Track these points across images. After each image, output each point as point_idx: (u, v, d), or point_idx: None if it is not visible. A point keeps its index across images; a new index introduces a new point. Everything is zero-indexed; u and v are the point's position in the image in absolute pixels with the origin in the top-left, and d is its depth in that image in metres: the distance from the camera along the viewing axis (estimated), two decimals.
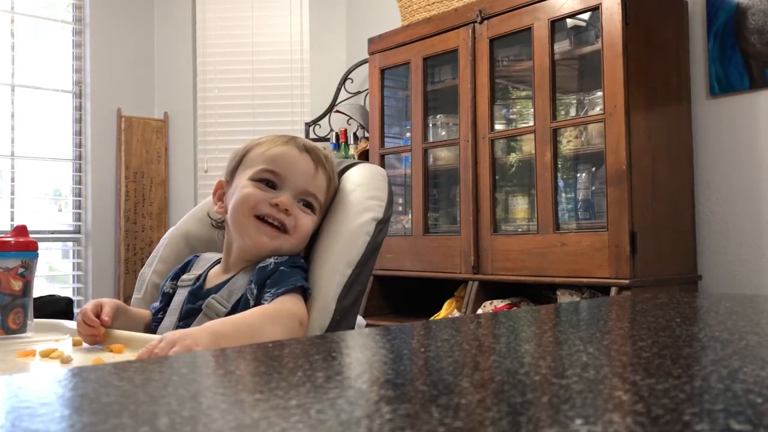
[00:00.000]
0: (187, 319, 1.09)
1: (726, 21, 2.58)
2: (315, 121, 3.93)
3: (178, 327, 1.08)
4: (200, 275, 1.15)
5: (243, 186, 1.12)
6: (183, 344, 0.83)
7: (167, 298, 1.16)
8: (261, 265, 1.07)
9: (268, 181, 1.12)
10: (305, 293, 1.06)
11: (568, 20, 2.68)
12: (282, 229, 1.10)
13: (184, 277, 1.18)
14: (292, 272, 1.06)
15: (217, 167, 4.10)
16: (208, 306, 1.07)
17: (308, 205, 1.14)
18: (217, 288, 1.10)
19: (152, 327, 1.15)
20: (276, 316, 0.98)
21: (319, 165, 1.15)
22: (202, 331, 0.89)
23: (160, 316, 1.15)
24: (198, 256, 1.24)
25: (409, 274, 3.09)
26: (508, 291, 2.78)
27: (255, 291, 1.05)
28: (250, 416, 0.26)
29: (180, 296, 1.14)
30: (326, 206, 1.18)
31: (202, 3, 4.23)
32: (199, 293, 1.11)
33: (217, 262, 1.19)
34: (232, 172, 1.18)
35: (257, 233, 1.10)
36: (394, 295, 3.23)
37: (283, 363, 0.38)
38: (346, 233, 1.13)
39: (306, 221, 1.12)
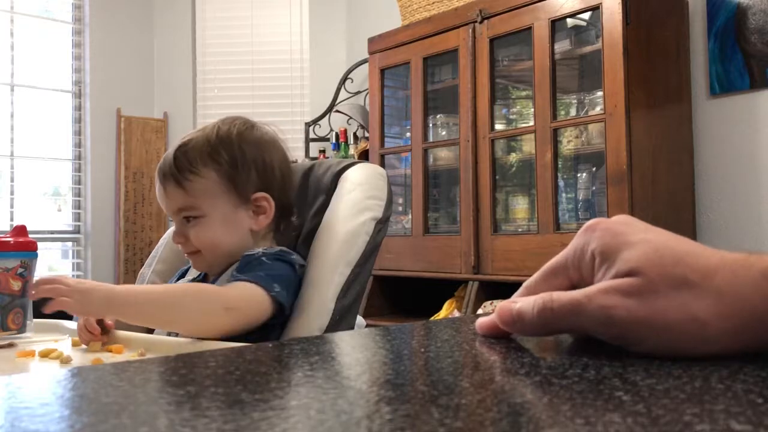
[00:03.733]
0: None
1: (726, 21, 2.58)
2: (315, 121, 3.93)
3: None
4: (200, 274, 1.15)
5: None
6: (67, 304, 0.85)
7: None
8: (248, 253, 1.06)
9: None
10: (268, 288, 0.99)
11: (569, 20, 2.68)
12: (194, 251, 1.07)
13: (188, 276, 1.18)
14: (272, 265, 1.03)
15: None
16: None
17: (193, 217, 1.06)
18: (216, 278, 1.10)
19: None
20: (197, 294, 0.95)
21: (165, 182, 1.06)
22: (98, 297, 0.88)
23: None
24: None
25: (409, 274, 3.09)
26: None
27: (236, 275, 1.03)
28: (250, 416, 0.26)
29: None
30: (240, 177, 1.07)
31: (202, 3, 4.23)
32: None
33: None
34: None
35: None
36: (394, 295, 3.23)
37: (282, 363, 0.38)
38: (346, 233, 1.13)
39: (196, 233, 1.05)
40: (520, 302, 0.42)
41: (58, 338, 1.06)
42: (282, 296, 0.99)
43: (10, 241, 1.05)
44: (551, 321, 0.39)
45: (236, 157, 1.06)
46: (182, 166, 1.05)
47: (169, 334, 1.02)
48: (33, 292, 0.88)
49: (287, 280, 1.03)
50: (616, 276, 0.38)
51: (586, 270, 0.41)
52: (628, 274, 0.38)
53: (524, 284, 0.46)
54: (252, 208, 1.08)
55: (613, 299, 0.37)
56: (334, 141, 3.78)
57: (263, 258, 1.03)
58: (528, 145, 2.82)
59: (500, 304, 0.43)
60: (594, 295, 0.38)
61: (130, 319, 0.95)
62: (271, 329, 1.02)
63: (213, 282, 1.09)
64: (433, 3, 3.13)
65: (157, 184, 1.08)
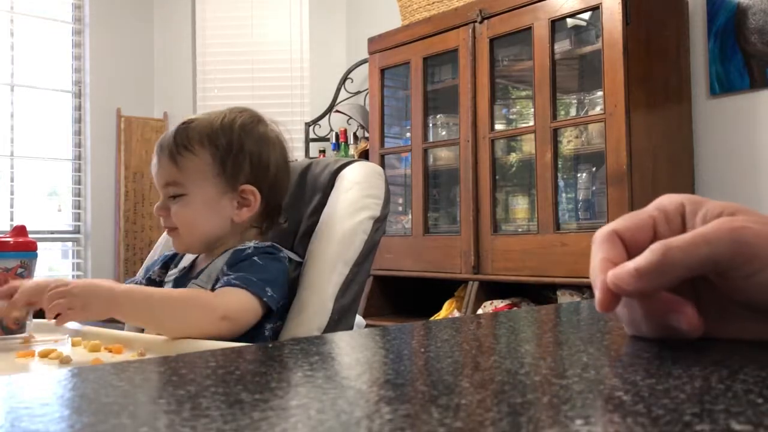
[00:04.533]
0: None
1: (726, 21, 2.58)
2: (315, 121, 3.93)
3: None
4: (185, 267, 1.14)
5: None
6: (67, 315, 0.85)
7: (152, 285, 1.16)
8: (239, 247, 1.05)
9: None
10: (260, 294, 0.99)
11: (569, 20, 2.68)
12: (173, 228, 1.08)
13: (171, 271, 1.16)
14: (264, 266, 1.01)
15: None
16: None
17: (177, 195, 1.07)
18: (199, 273, 1.09)
19: None
20: (195, 301, 0.94)
21: (160, 154, 1.08)
22: (100, 301, 0.88)
23: None
24: None
25: (409, 274, 3.09)
26: (509, 291, 2.78)
27: (227, 271, 1.02)
28: (250, 416, 0.26)
29: (167, 287, 1.13)
30: (227, 165, 1.07)
31: (202, 3, 4.23)
32: (183, 281, 1.10)
33: None
34: None
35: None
36: (394, 296, 3.23)
37: (282, 363, 0.38)
38: (343, 232, 1.13)
39: (176, 209, 1.06)
40: (627, 264, 0.39)
41: (58, 338, 1.06)
42: (273, 300, 0.99)
43: (9, 241, 1.05)
44: (677, 261, 0.38)
45: (233, 145, 1.07)
46: (180, 141, 1.06)
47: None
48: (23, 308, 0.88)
49: (280, 280, 1.02)
50: (722, 215, 0.39)
51: (673, 214, 0.41)
52: (733, 214, 0.38)
53: (604, 230, 0.42)
54: (237, 198, 1.08)
55: (738, 222, 0.38)
56: (334, 141, 3.78)
57: (255, 258, 1.02)
58: (528, 145, 2.82)
59: (611, 274, 0.39)
60: (715, 225, 0.38)
61: (127, 320, 0.96)
62: (258, 330, 1.01)
63: (200, 272, 1.08)
64: (433, 3, 3.13)
65: (153, 157, 1.09)
